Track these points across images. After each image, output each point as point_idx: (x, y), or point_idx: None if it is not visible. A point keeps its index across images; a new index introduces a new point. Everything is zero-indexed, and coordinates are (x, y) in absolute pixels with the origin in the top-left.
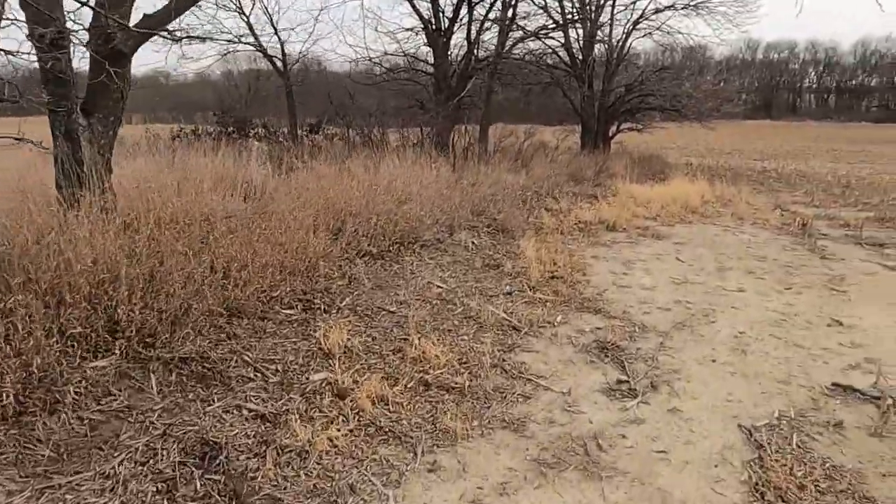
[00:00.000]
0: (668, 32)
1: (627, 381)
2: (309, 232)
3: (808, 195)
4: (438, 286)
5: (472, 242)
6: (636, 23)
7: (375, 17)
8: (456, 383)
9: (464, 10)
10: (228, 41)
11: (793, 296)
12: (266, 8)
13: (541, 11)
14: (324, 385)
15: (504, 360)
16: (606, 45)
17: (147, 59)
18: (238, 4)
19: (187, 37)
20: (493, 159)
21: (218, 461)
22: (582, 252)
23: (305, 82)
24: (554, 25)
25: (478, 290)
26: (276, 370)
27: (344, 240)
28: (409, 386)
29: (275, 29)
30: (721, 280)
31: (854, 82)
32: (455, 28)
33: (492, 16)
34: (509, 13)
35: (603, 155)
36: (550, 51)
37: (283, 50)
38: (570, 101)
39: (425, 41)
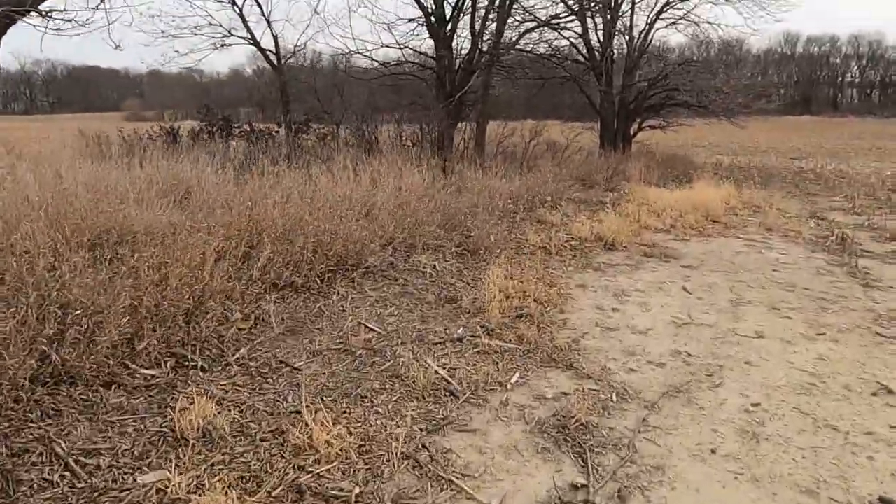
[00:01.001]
0: (694, 22)
1: (586, 486)
2: (206, 259)
3: (848, 200)
4: (371, 329)
5: (434, 267)
6: (660, 12)
7: (371, 5)
8: (341, 490)
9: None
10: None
11: (827, 344)
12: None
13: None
14: (151, 492)
15: (423, 447)
16: (627, 37)
17: (137, 53)
18: None
19: (66, 20)
20: (491, 161)
21: None
22: (566, 279)
23: (301, 77)
24: (568, 14)
25: (420, 335)
26: (97, 467)
27: (255, 269)
28: (273, 495)
29: (268, 21)
30: (735, 320)
31: None
32: (459, 18)
33: (497, 4)
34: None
35: (622, 155)
36: (566, 43)
37: (276, 43)
38: (588, 98)
39: (427, 33)
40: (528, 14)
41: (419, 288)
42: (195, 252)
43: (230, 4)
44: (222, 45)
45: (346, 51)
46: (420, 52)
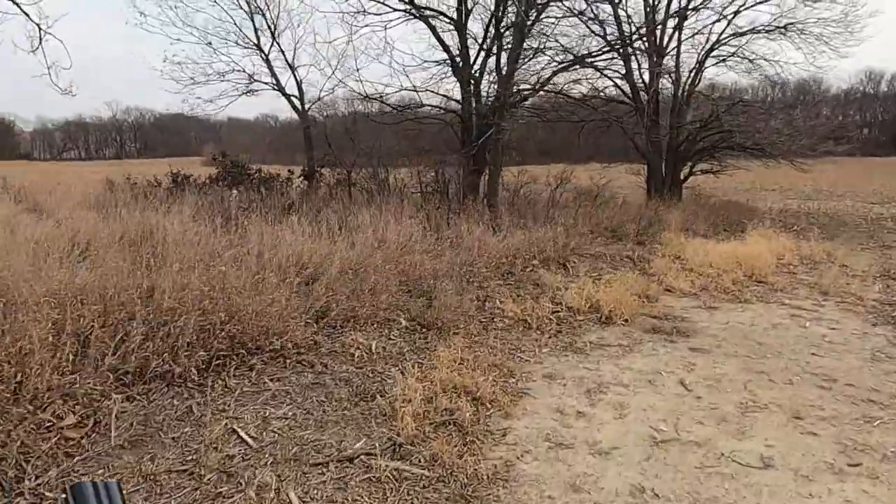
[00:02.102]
0: (748, 59)
1: None
2: (42, 345)
3: None
4: (243, 439)
5: (369, 348)
6: (710, 50)
7: (389, 51)
8: None
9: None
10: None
11: (862, 484)
12: (277, 42)
13: (586, 35)
14: None
15: None
16: (673, 76)
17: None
18: (256, 42)
19: None
20: (503, 211)
21: None
22: (533, 366)
23: (322, 122)
24: (606, 50)
25: (301, 451)
26: None
27: (109, 355)
28: None
29: (292, 68)
30: (738, 436)
31: None
32: (486, 60)
33: (532, 45)
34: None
35: (668, 202)
36: (608, 83)
37: (300, 89)
38: (632, 142)
39: (452, 76)
40: (564, 51)
41: (338, 377)
42: (41, 329)
43: (256, 50)
44: (248, 92)
45: (364, 96)
46: (442, 95)
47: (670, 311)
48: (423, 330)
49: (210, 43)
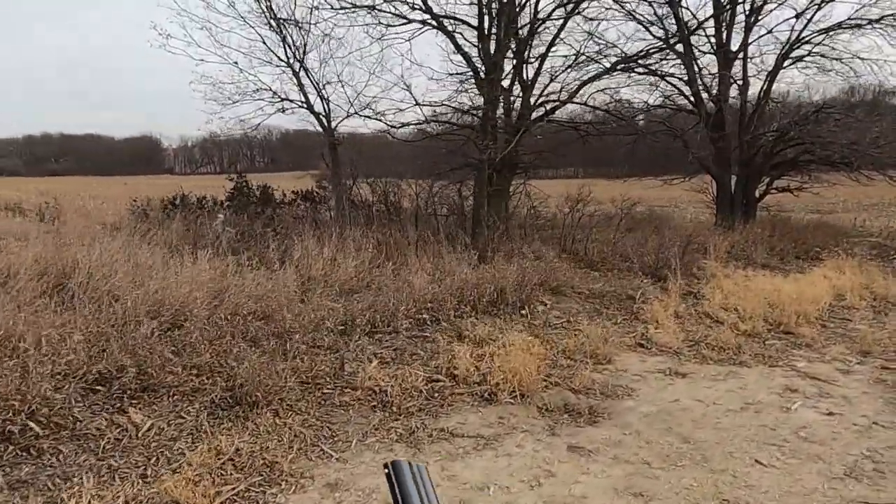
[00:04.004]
0: (836, 58)
1: None
2: None
3: None
4: None
5: (137, 429)
6: (790, 49)
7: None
8: None
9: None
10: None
11: None
12: (301, 63)
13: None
14: None
15: None
16: (741, 81)
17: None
18: (287, 60)
19: None
20: (494, 238)
21: None
22: (323, 468)
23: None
24: (659, 48)
25: None
26: None
27: None
28: None
29: (317, 88)
30: None
31: None
32: (517, 69)
33: (563, 53)
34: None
35: (732, 223)
36: (665, 91)
37: (327, 106)
38: (695, 156)
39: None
40: (601, 55)
41: (59, 473)
42: None
43: (285, 67)
44: (282, 110)
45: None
46: (459, 109)
47: (614, 379)
48: (235, 406)
49: (237, 62)
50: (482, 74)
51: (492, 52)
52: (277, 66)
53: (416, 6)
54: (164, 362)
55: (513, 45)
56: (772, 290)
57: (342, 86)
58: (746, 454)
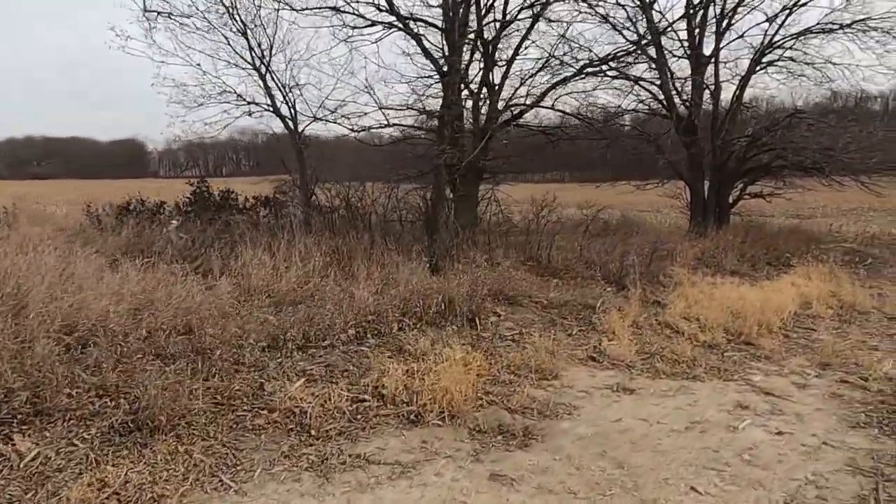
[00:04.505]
0: (807, 63)
1: None
2: None
3: None
4: None
5: (21, 460)
6: (762, 54)
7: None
8: None
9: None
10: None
11: None
12: (267, 66)
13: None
14: None
15: None
16: (712, 86)
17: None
18: (252, 62)
19: None
20: (451, 246)
21: None
22: (216, 502)
23: (318, 145)
24: (629, 51)
25: None
26: None
27: None
28: None
29: (282, 90)
30: None
31: None
32: (485, 72)
33: (534, 56)
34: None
35: (703, 230)
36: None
37: (293, 110)
38: (668, 161)
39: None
40: (574, 58)
41: None
42: None
43: (254, 71)
44: (249, 114)
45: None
46: (420, 112)
47: (558, 396)
48: (134, 431)
49: (199, 64)
50: (447, 77)
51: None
52: (243, 68)
53: (381, 7)
54: (62, 383)
55: (479, 48)
56: (737, 298)
57: (301, 90)
58: (683, 480)
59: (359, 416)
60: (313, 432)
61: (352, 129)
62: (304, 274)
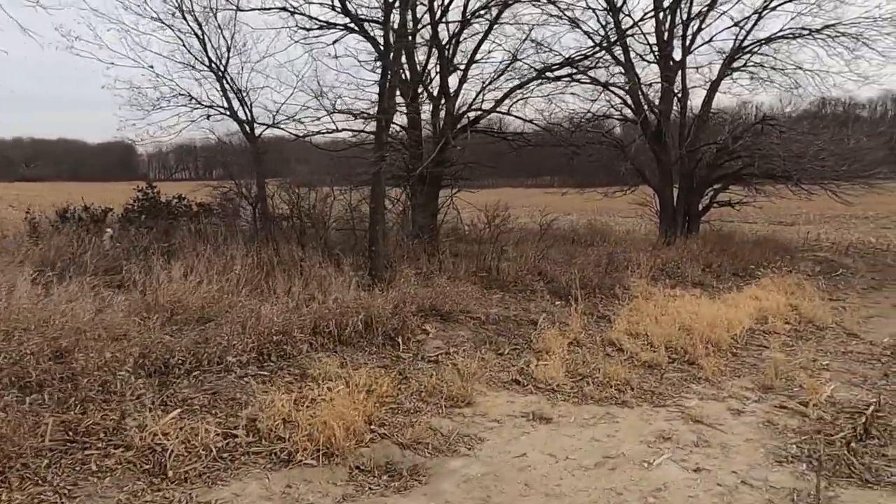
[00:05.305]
0: (774, 68)
1: None
2: None
3: None
4: None
5: None
6: (731, 59)
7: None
8: None
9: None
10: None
11: None
12: (224, 69)
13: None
14: None
15: None
16: (679, 92)
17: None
18: (209, 63)
19: None
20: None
21: None
22: None
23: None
24: (593, 50)
25: None
26: None
27: None
28: None
29: (238, 94)
30: None
31: None
32: (444, 77)
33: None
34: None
35: (669, 238)
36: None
37: (250, 113)
38: (635, 167)
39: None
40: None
41: None
42: None
43: (210, 73)
44: (207, 117)
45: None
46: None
47: (464, 427)
48: None
49: (152, 66)
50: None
51: (419, 59)
52: (199, 70)
53: (336, 9)
54: None
55: (434, 52)
56: (690, 312)
57: (258, 93)
58: None
59: (226, 455)
60: (170, 474)
61: (305, 134)
62: (219, 289)
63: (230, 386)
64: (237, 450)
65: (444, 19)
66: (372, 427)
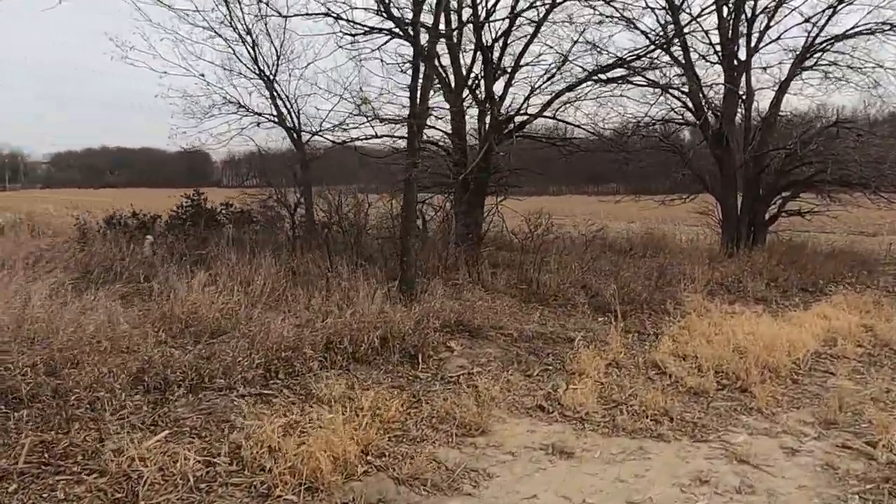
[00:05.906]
0: (852, 67)
1: None
2: None
3: None
4: None
5: None
6: (803, 58)
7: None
8: None
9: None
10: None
11: None
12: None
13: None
14: None
15: None
16: (744, 94)
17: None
18: (259, 72)
19: None
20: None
21: None
22: None
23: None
24: (648, 49)
25: None
26: None
27: None
28: None
29: (286, 102)
30: None
31: None
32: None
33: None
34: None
35: (731, 249)
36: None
37: (298, 121)
38: (697, 174)
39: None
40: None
41: None
42: None
43: (260, 81)
44: (257, 125)
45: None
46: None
47: (474, 459)
48: None
49: (203, 75)
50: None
51: (465, 62)
52: (250, 78)
53: (382, 14)
54: None
55: (479, 55)
56: (747, 332)
57: (306, 100)
58: None
59: (203, 486)
60: None
61: (344, 141)
62: (237, 301)
63: (227, 406)
64: (216, 479)
65: (489, 20)
66: (368, 458)
